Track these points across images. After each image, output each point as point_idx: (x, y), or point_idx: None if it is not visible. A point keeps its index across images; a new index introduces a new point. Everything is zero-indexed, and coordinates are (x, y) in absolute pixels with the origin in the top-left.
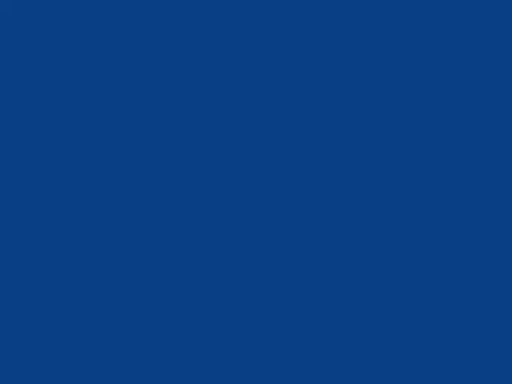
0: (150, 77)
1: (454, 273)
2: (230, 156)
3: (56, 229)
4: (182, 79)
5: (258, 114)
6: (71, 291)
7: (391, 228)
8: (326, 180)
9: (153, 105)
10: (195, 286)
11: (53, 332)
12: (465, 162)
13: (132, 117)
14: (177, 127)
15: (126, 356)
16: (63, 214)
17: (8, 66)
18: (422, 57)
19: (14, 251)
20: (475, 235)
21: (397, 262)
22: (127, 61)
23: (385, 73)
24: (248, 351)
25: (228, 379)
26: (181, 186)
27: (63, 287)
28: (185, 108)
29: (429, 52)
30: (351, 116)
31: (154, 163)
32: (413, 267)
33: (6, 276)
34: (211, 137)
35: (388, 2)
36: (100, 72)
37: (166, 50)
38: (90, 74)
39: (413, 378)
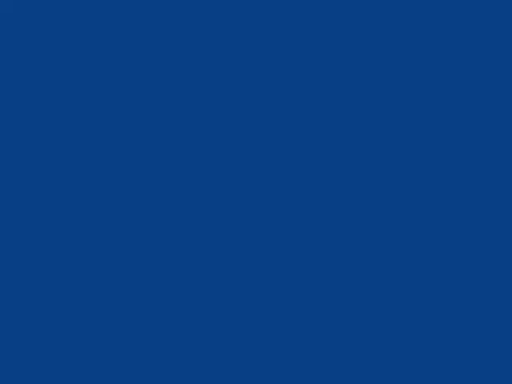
0: (150, 77)
1: (454, 273)
2: (230, 156)
3: (56, 229)
4: (182, 79)
5: (258, 114)
6: (71, 291)
7: (391, 228)
8: (326, 180)
9: (153, 105)
10: (195, 286)
11: (53, 332)
12: (465, 162)
13: (132, 117)
14: (177, 127)
15: (126, 356)
16: (63, 213)
17: (8, 65)
18: (422, 57)
19: (14, 251)
20: (475, 235)
21: (397, 262)
22: (127, 61)
23: (385, 73)
24: (248, 351)
25: (228, 379)
26: (181, 186)
27: (63, 287)
28: (185, 108)
29: (429, 52)
30: (351, 116)
31: (154, 163)
32: (413, 267)
33: (5, 276)
34: (211, 137)
35: (388, 2)
36: (100, 72)
37: (166, 50)
38: (90, 73)
39: (413, 378)
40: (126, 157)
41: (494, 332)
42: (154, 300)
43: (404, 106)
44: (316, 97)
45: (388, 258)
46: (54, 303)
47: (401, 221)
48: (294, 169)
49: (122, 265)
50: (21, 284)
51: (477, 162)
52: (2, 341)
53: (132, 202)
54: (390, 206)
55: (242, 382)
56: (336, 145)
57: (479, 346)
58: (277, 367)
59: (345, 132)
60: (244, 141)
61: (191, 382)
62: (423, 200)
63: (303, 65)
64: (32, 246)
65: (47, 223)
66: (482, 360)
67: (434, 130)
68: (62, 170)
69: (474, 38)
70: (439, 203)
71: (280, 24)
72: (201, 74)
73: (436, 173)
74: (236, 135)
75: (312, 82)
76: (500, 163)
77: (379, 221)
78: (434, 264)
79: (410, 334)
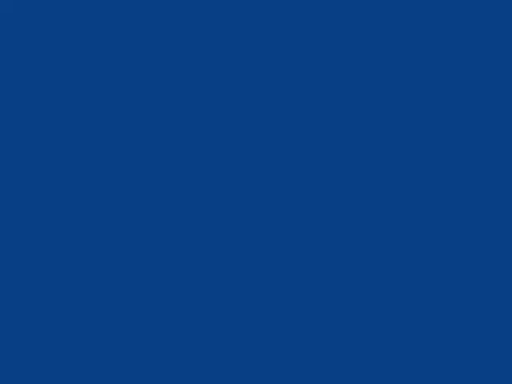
0: (150, 77)
1: (454, 273)
2: (230, 156)
3: (56, 229)
4: (182, 79)
5: (258, 114)
6: (71, 291)
7: (391, 228)
8: (326, 180)
9: (153, 105)
10: (195, 286)
11: (53, 332)
12: (465, 162)
13: (132, 117)
14: (177, 127)
15: (126, 356)
16: (63, 214)
17: (8, 65)
18: (422, 57)
19: (14, 251)
20: (475, 235)
21: (397, 262)
22: (127, 61)
23: (385, 73)
24: (248, 351)
25: (228, 379)
26: (181, 186)
27: (63, 287)
28: (185, 108)
29: (429, 52)
30: (351, 116)
31: (154, 163)
32: (413, 267)
33: (5, 276)
34: (211, 137)
35: (388, 2)
36: (100, 72)
37: (166, 50)
38: (90, 73)
39: (413, 378)
40: (126, 157)
41: (494, 332)
42: (154, 300)
43: (404, 106)
44: (316, 97)
45: (388, 258)
46: (54, 303)
47: (401, 221)
48: (294, 169)
49: (122, 265)
50: (21, 284)
51: (477, 162)
52: (2, 341)
53: (132, 202)
54: (390, 206)
55: (242, 382)
56: (336, 145)
57: (479, 346)
58: (277, 367)
59: (345, 132)
60: (244, 141)
61: (191, 382)
62: (423, 200)
63: (303, 65)
64: (32, 246)
65: (47, 223)
66: (482, 360)
67: (434, 130)
68: (62, 169)
69: (474, 38)
70: (439, 203)
71: (280, 24)
72: (201, 73)
73: (436, 173)
74: (236, 135)
75: (312, 82)
76: (500, 163)
77: (379, 221)
78: (434, 264)
79: (410, 334)
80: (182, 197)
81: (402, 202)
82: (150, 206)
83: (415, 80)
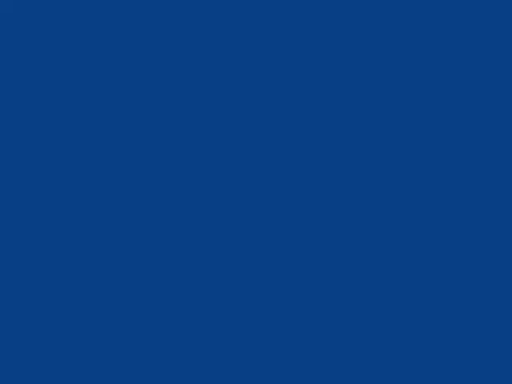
0: (150, 77)
1: (454, 273)
2: (230, 156)
3: (56, 229)
4: (182, 79)
5: (258, 114)
6: (71, 291)
7: (391, 228)
8: (326, 180)
9: (153, 105)
10: (195, 286)
11: (53, 332)
12: (465, 162)
13: (132, 117)
14: (177, 127)
15: (126, 356)
16: (63, 214)
17: (8, 65)
18: (422, 57)
19: (14, 251)
20: (475, 235)
21: (397, 262)
22: (127, 61)
23: (385, 73)
24: (248, 351)
25: (228, 379)
26: (181, 186)
27: (63, 287)
28: (185, 108)
29: (429, 52)
30: (351, 116)
31: (154, 163)
32: (413, 267)
33: (5, 276)
34: (211, 137)
35: (388, 2)
36: (100, 72)
37: (166, 50)
38: (90, 73)
39: (413, 378)
40: (126, 157)
41: (494, 332)
42: (154, 300)
43: (404, 106)
44: (316, 97)
45: (388, 258)
46: (54, 303)
47: (401, 221)
48: (294, 169)
49: (122, 265)
50: (21, 284)
51: (477, 162)
52: (2, 341)
53: (132, 202)
54: (390, 206)
55: (242, 382)
56: (336, 145)
57: (479, 346)
58: (277, 367)
59: (345, 132)
60: (244, 141)
61: (191, 382)
62: (423, 200)
63: (303, 65)
64: (32, 246)
65: (47, 223)
66: (482, 360)
67: (434, 130)
68: (62, 169)
69: (474, 38)
70: (439, 203)
71: (280, 24)
72: (201, 74)
73: (436, 173)
74: (236, 135)
75: (312, 82)
76: (500, 163)
77: (379, 221)
78: (434, 264)
79: (410, 334)
80: (182, 196)
81: (402, 202)
82: (150, 205)
83: (415, 80)
